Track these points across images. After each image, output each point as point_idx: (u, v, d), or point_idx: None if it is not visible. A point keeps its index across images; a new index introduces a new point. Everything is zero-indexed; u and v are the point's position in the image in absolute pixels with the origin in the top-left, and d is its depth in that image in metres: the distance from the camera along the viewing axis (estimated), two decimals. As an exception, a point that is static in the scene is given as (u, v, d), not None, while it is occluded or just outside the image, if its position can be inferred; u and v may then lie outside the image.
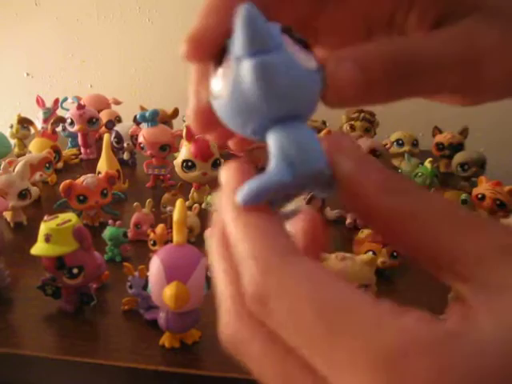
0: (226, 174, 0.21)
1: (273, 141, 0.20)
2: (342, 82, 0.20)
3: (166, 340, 0.61)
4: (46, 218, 0.65)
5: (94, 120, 1.17)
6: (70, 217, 0.65)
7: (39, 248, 0.63)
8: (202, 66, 0.22)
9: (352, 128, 1.16)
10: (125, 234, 0.79)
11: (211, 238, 0.21)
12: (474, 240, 0.17)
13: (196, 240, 0.82)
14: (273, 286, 0.18)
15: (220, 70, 0.20)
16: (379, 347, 0.16)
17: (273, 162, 0.20)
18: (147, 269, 0.59)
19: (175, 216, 0.58)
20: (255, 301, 0.18)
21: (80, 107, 1.16)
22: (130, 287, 0.66)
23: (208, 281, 0.58)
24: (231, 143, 0.25)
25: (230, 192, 0.20)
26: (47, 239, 0.62)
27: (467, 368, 0.15)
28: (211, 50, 0.21)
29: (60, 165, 1.12)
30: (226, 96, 0.20)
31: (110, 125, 1.22)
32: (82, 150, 1.22)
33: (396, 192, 0.19)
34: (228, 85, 0.20)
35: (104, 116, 1.24)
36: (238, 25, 0.19)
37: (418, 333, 0.16)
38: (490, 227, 0.18)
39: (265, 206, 0.20)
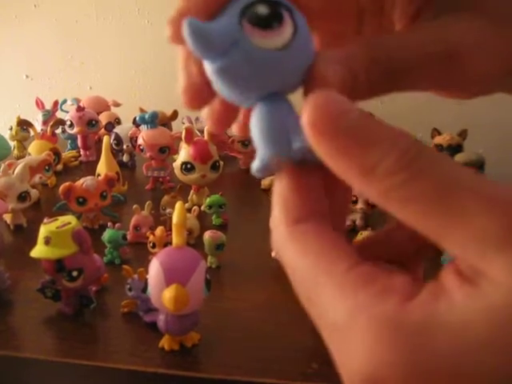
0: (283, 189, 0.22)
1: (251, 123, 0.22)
2: (330, 81, 0.21)
3: (165, 342, 0.61)
4: (45, 220, 0.66)
5: (94, 122, 1.17)
6: (69, 219, 0.65)
7: (39, 251, 0.63)
8: None
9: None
10: (124, 237, 0.79)
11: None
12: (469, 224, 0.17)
13: (195, 242, 0.82)
14: (279, 247, 0.21)
15: None
16: (331, 323, 0.19)
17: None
18: (146, 271, 0.59)
19: (174, 219, 0.58)
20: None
21: (79, 109, 1.16)
22: (130, 290, 0.66)
23: (207, 283, 0.58)
24: (235, 128, 0.26)
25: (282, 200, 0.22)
26: (47, 242, 0.63)
27: (406, 348, 0.17)
28: (208, 12, 0.21)
29: (59, 167, 1.13)
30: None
31: (110, 127, 1.22)
32: (82, 152, 1.22)
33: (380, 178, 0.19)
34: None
35: (103, 118, 1.24)
36: (187, 39, 0.20)
37: (366, 310, 0.18)
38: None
39: (293, 172, 0.22)
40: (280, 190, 0.22)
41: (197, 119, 1.26)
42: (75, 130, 1.16)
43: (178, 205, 0.60)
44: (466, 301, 0.16)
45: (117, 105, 1.34)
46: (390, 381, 0.17)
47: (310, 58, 0.22)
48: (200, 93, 0.22)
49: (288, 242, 0.21)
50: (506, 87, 0.27)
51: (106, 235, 0.79)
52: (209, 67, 0.21)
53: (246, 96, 0.22)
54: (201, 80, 0.22)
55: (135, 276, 0.66)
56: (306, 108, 0.18)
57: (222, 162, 0.95)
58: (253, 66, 0.20)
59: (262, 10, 0.20)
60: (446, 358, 0.16)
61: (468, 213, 0.16)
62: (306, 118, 0.18)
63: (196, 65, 0.22)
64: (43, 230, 0.64)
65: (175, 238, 0.58)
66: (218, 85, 0.21)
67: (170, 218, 0.69)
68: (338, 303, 0.19)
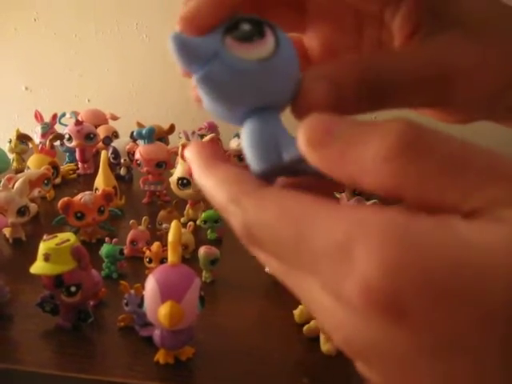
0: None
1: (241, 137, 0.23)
2: (316, 96, 0.22)
3: (160, 356, 0.63)
4: (45, 237, 0.67)
5: (92, 136, 1.19)
6: (68, 236, 0.67)
7: (39, 267, 0.65)
8: None
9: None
10: (121, 252, 0.81)
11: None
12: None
13: (190, 257, 0.84)
14: (251, 215, 0.19)
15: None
16: (328, 245, 0.17)
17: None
18: (143, 286, 0.61)
19: (170, 237, 0.60)
20: (244, 235, 0.20)
21: (78, 123, 1.18)
22: (126, 304, 0.68)
23: (201, 300, 0.60)
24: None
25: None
26: (46, 258, 0.64)
27: (423, 252, 0.15)
28: (205, 29, 0.22)
29: (58, 180, 1.14)
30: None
31: (108, 141, 1.24)
32: (80, 164, 1.24)
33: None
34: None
35: (101, 131, 1.26)
36: (173, 51, 0.21)
37: (371, 218, 0.16)
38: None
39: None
40: (223, 171, 0.21)
41: (193, 133, 1.28)
42: (73, 143, 1.18)
43: (174, 223, 0.62)
44: (482, 228, 0.16)
45: (115, 118, 1.36)
46: (406, 290, 0.15)
47: (294, 73, 0.22)
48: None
49: (262, 206, 0.19)
50: (490, 114, 0.27)
51: (104, 250, 0.81)
52: (195, 80, 0.22)
53: (232, 110, 0.22)
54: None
55: (132, 291, 0.68)
56: (300, 130, 0.19)
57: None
58: (233, 75, 0.21)
59: (244, 26, 0.21)
60: (468, 267, 0.15)
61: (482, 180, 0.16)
62: (301, 137, 0.19)
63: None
64: (43, 247, 0.66)
65: (170, 256, 0.60)
66: (205, 99, 0.22)
67: (167, 233, 0.71)
68: (336, 222, 0.17)
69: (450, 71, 0.23)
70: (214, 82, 0.21)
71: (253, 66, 0.21)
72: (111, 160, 1.16)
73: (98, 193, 0.92)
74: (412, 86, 0.23)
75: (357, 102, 0.22)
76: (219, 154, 0.22)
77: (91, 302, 0.72)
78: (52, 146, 1.13)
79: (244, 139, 0.22)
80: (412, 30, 0.25)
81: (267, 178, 0.22)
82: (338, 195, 0.94)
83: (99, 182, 1.02)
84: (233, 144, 1.14)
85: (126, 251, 0.84)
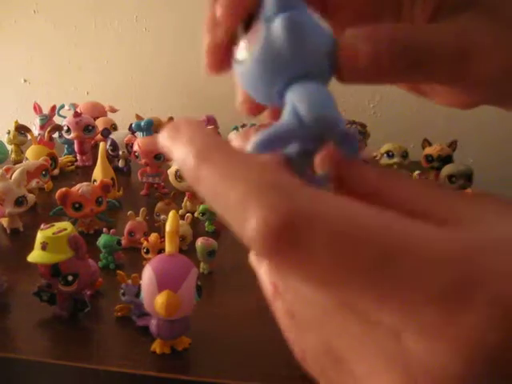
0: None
1: (288, 96, 0.21)
2: (358, 53, 0.22)
3: (157, 346, 0.63)
4: (42, 226, 0.67)
5: (90, 128, 1.19)
6: (65, 226, 0.67)
7: (36, 256, 0.65)
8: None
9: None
10: (118, 242, 0.81)
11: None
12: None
13: (188, 248, 0.84)
14: (302, 202, 0.16)
15: (246, 36, 0.22)
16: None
17: (284, 114, 0.21)
18: (140, 277, 0.61)
19: (167, 227, 0.60)
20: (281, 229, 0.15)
21: (76, 115, 1.18)
22: (123, 294, 0.68)
23: (198, 290, 0.60)
24: (247, 107, 0.25)
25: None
26: (43, 247, 0.64)
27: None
28: (240, 14, 0.22)
29: (56, 172, 1.14)
30: (253, 58, 0.22)
31: (106, 133, 1.24)
32: (78, 156, 1.24)
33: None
34: (257, 46, 0.21)
35: (100, 123, 1.26)
36: None
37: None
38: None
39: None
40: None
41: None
42: (72, 135, 1.18)
43: (172, 213, 0.62)
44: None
45: (113, 110, 1.36)
46: None
47: (324, 32, 0.22)
48: (225, 55, 0.23)
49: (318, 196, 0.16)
50: (495, 97, 0.28)
51: (101, 240, 0.81)
52: (275, 20, 0.21)
53: (290, 61, 0.21)
54: (225, 42, 0.23)
55: (129, 281, 0.68)
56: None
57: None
58: (315, 30, 0.22)
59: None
60: None
61: None
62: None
63: (221, 28, 0.23)
64: (40, 236, 0.66)
65: (168, 246, 0.60)
66: (260, 55, 0.22)
67: (164, 225, 0.71)
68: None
69: (468, 48, 0.23)
70: (300, 28, 0.21)
71: (324, 32, 0.22)
72: (109, 152, 1.16)
73: (96, 184, 0.92)
74: (442, 51, 0.23)
75: (390, 66, 0.23)
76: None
77: (88, 292, 0.72)
78: (50, 138, 1.13)
79: (300, 96, 0.21)
80: (431, 13, 0.25)
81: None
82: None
83: (97, 174, 1.02)
84: (232, 137, 1.14)
85: (123, 242, 0.84)
